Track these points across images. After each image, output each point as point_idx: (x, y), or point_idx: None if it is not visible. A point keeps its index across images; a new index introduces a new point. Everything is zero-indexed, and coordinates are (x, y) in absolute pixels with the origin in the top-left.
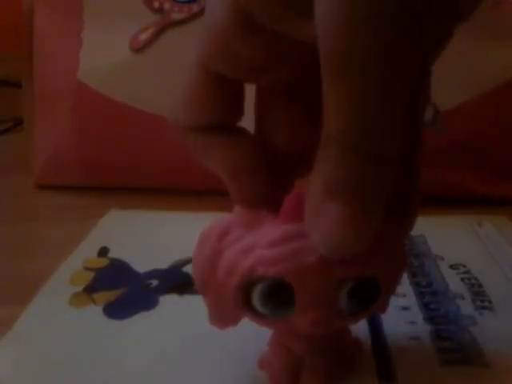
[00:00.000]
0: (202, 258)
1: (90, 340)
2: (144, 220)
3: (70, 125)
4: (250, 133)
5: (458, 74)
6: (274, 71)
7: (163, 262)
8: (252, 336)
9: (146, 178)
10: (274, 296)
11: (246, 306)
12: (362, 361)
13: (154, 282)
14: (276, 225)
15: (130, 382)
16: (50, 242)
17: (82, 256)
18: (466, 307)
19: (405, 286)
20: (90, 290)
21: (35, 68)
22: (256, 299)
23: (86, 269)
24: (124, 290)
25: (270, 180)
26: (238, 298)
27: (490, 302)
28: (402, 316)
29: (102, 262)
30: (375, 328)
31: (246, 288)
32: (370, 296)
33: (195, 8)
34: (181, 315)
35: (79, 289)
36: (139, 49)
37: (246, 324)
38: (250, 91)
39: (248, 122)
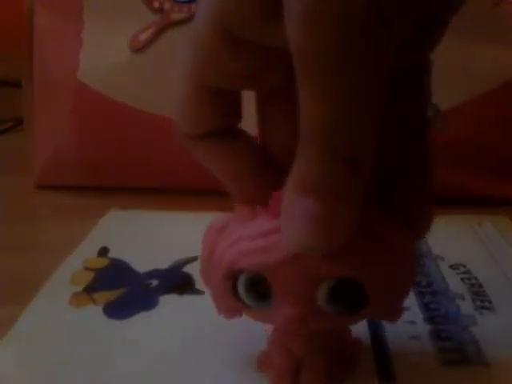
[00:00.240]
0: (204, 249)
1: (90, 340)
2: (144, 220)
3: (70, 125)
4: (249, 135)
5: (458, 74)
6: (268, 78)
7: (163, 262)
8: (252, 336)
9: (146, 178)
10: (254, 288)
11: (235, 297)
12: (361, 361)
13: (154, 282)
14: (264, 220)
15: (130, 382)
16: (49, 242)
17: (82, 256)
18: (466, 307)
19: None
20: (90, 289)
21: (35, 68)
22: (240, 290)
23: (86, 269)
24: (124, 290)
25: (271, 180)
26: (227, 289)
27: (490, 302)
28: (401, 316)
29: (102, 262)
30: (375, 328)
31: (233, 279)
32: (355, 298)
33: (195, 8)
34: (181, 315)
35: (79, 289)
36: (139, 49)
37: (246, 324)
38: (250, 91)
39: (248, 122)
